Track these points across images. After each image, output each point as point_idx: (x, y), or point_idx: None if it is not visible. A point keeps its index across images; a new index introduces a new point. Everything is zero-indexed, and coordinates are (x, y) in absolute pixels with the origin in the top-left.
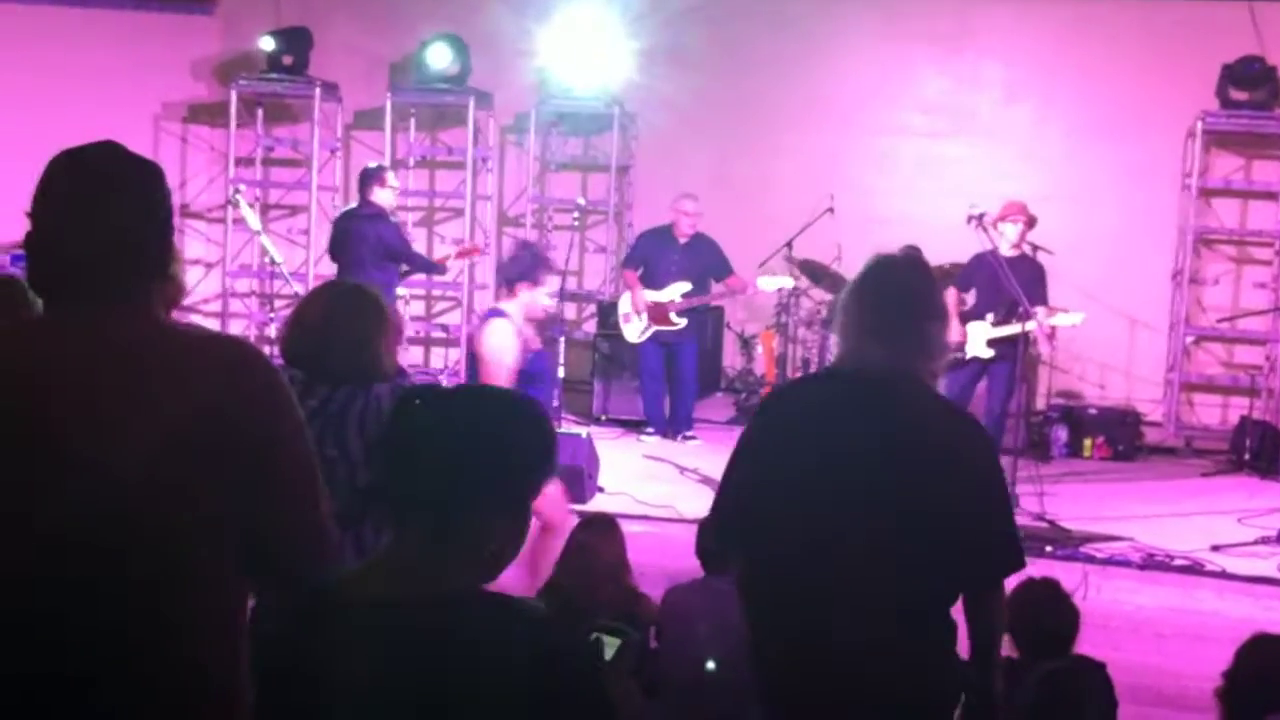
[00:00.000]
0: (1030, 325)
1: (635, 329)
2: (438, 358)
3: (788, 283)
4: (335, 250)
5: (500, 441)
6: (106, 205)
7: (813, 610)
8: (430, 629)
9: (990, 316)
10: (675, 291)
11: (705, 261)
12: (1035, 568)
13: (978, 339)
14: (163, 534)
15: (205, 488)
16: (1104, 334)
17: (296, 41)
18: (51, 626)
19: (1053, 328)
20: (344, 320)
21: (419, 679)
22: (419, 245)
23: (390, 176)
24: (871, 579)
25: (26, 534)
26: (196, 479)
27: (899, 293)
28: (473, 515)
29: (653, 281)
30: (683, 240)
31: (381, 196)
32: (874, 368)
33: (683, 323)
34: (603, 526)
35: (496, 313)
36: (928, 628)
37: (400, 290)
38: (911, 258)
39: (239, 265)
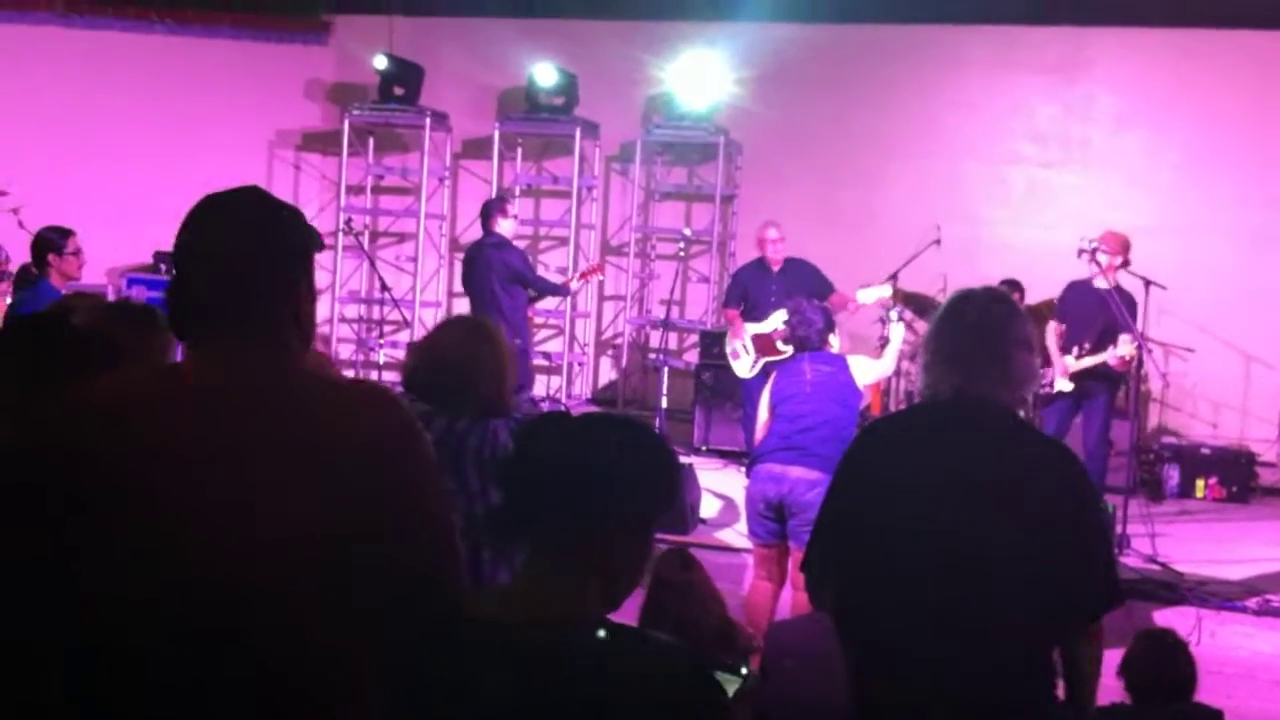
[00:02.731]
0: (1106, 356)
1: (745, 365)
2: (539, 385)
3: (885, 291)
4: (465, 279)
5: (626, 469)
6: (253, 252)
7: (909, 645)
8: (560, 655)
9: (1075, 350)
10: (777, 320)
11: (804, 285)
12: (1146, 611)
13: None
14: (301, 569)
15: (345, 525)
16: (1216, 371)
17: (408, 73)
18: (185, 672)
19: (1127, 361)
20: (482, 356)
21: (549, 705)
22: None
23: (511, 206)
24: (966, 614)
25: (172, 580)
26: (338, 517)
27: (975, 321)
28: (598, 542)
29: (754, 314)
30: (776, 268)
31: (504, 226)
32: (956, 399)
33: (789, 350)
34: (685, 560)
35: (840, 357)
36: (1024, 663)
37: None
38: (991, 289)
39: (348, 291)
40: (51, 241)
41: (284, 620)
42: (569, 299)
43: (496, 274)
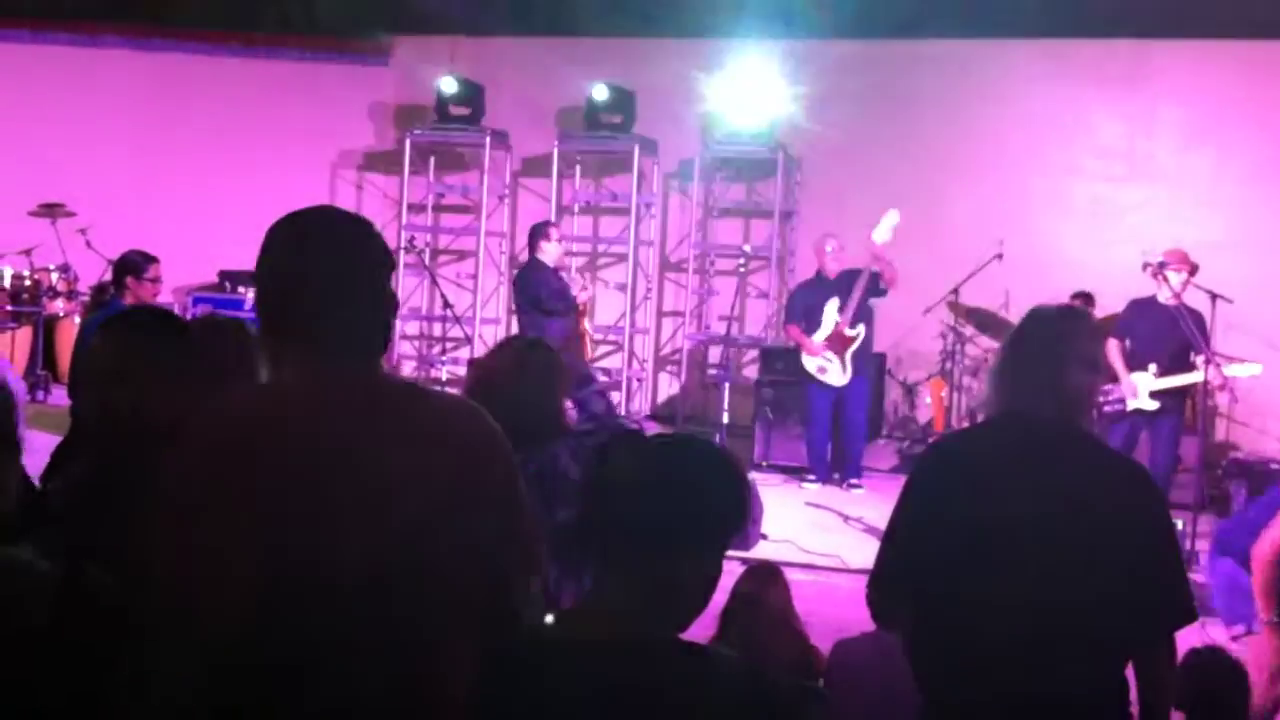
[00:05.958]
0: (1197, 376)
1: (836, 372)
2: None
3: (893, 218)
4: None
5: (702, 492)
6: (373, 269)
7: (985, 665)
8: (639, 675)
9: (1153, 367)
10: (832, 312)
11: (860, 283)
12: (1216, 628)
13: (1141, 391)
14: (425, 578)
15: (459, 534)
16: None
17: (470, 92)
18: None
19: (1225, 379)
20: (529, 381)
21: None
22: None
23: (555, 230)
24: (1042, 634)
25: (316, 584)
26: (453, 527)
27: (1042, 341)
28: (673, 563)
29: (814, 327)
30: (832, 278)
31: (546, 250)
32: (1009, 416)
33: (860, 330)
34: (770, 575)
35: None
36: (1097, 679)
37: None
38: (1066, 307)
39: (408, 309)
40: (134, 264)
41: (402, 613)
42: (627, 315)
43: (521, 294)
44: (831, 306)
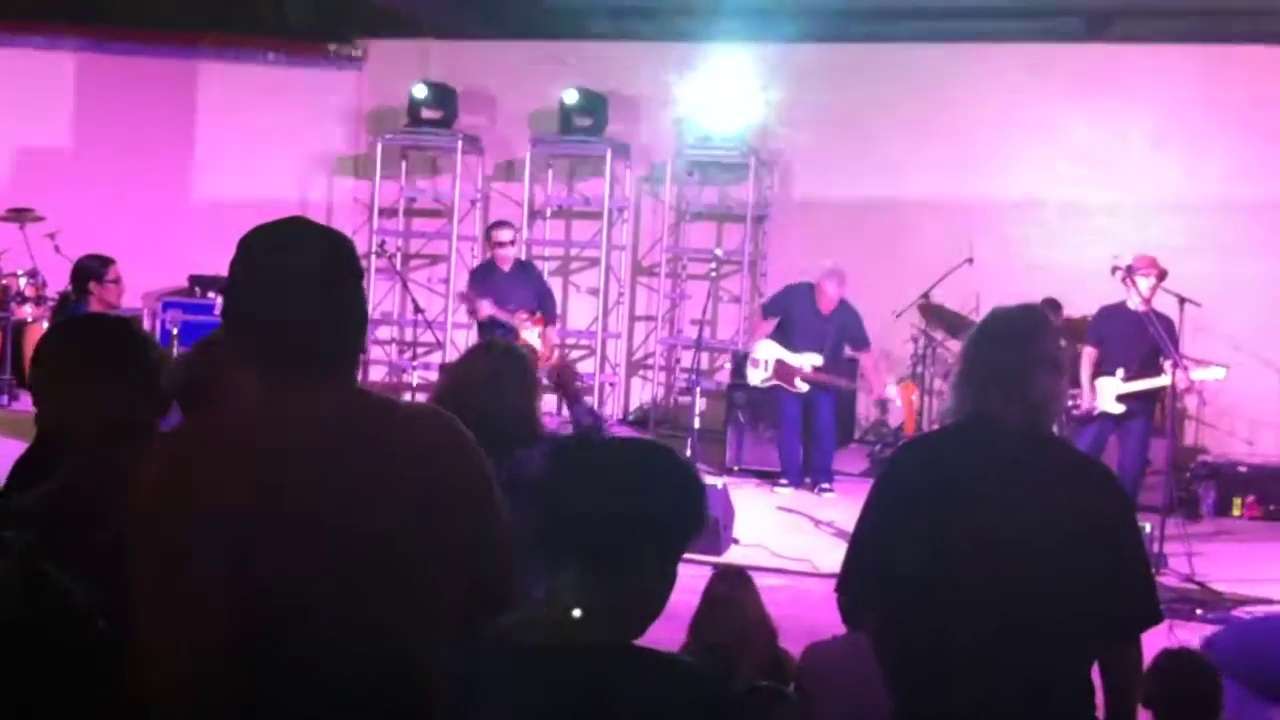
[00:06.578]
0: (1164, 380)
1: (758, 376)
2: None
3: (896, 397)
4: None
5: (650, 496)
6: (339, 283)
7: (953, 666)
8: (594, 681)
9: (1120, 371)
10: (806, 361)
11: (845, 331)
12: (1185, 631)
13: (1107, 394)
14: (399, 589)
15: (432, 543)
16: (1254, 389)
17: (442, 96)
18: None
19: (1191, 382)
20: (509, 387)
21: None
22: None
23: (498, 232)
24: (1008, 636)
25: (285, 601)
26: (426, 536)
27: (994, 340)
28: (624, 568)
29: (789, 339)
30: (827, 311)
31: (496, 251)
32: (974, 420)
33: (804, 388)
34: (741, 579)
35: None
36: (1067, 684)
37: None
38: (1029, 307)
39: (380, 313)
40: (93, 269)
41: (376, 625)
42: (600, 319)
43: None
44: (810, 359)
